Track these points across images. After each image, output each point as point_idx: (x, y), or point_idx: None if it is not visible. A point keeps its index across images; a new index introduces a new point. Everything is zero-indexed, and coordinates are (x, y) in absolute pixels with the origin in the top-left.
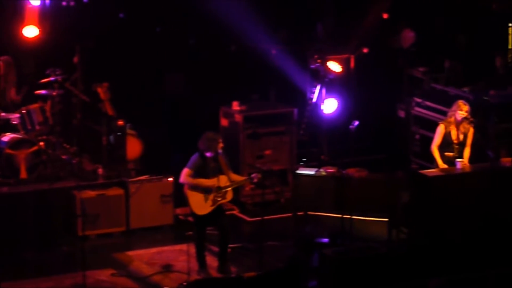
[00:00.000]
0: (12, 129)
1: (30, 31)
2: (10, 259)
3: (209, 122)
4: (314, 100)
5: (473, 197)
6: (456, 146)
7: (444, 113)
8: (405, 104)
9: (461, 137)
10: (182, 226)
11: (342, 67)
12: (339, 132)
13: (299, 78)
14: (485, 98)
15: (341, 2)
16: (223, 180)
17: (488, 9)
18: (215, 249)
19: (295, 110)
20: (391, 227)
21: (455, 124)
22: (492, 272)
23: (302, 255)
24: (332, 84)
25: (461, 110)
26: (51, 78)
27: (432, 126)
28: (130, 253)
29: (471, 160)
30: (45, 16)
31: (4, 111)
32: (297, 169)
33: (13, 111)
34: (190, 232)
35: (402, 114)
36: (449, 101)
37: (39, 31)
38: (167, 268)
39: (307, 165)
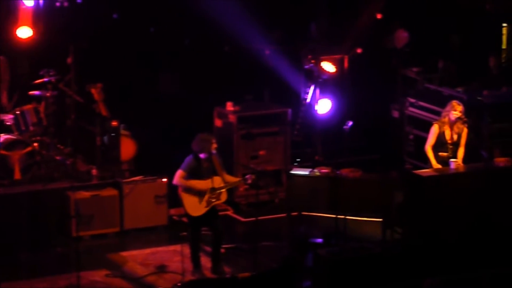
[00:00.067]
0: (6, 130)
1: (24, 32)
2: (4, 260)
3: (203, 123)
4: (308, 100)
5: (467, 197)
6: (450, 146)
7: (438, 113)
8: (399, 104)
9: (455, 137)
10: (176, 226)
11: (336, 68)
12: (333, 133)
13: (293, 78)
14: (479, 98)
15: (334, 3)
16: (217, 181)
17: (482, 10)
18: (210, 249)
19: (289, 111)
20: (385, 227)
21: (449, 124)
22: (486, 272)
23: (296, 255)
24: (326, 85)
25: (455, 110)
26: (45, 79)
27: (426, 126)
28: (124, 253)
29: (465, 160)
30: (39, 17)
31: None
32: (291, 169)
33: (6, 112)
34: (185, 233)
35: (396, 114)
36: (443, 101)
37: (33, 31)
38: (161, 269)
39: (301, 166)
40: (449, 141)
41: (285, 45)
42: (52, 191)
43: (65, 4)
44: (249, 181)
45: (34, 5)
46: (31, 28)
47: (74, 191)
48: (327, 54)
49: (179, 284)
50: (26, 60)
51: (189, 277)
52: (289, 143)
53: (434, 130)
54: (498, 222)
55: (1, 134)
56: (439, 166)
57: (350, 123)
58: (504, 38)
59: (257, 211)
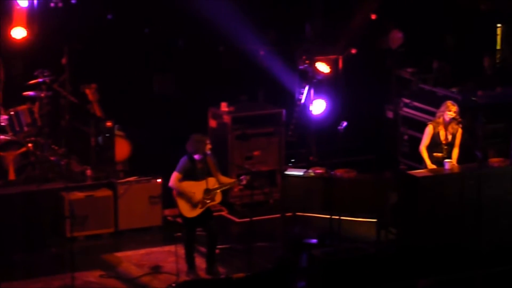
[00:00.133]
0: (0, 130)
1: (18, 33)
2: None
3: (198, 123)
4: (303, 101)
5: (461, 197)
6: (445, 147)
7: (433, 114)
8: (393, 105)
9: (450, 137)
10: (171, 227)
11: (331, 68)
12: (328, 133)
13: (287, 79)
14: (474, 98)
15: (329, 3)
16: (211, 182)
17: (476, 10)
18: (204, 250)
19: (284, 111)
20: (380, 227)
21: (444, 124)
22: (480, 273)
23: (290, 256)
24: (321, 85)
25: (450, 111)
26: (39, 80)
27: (420, 127)
28: (119, 254)
29: (459, 160)
30: (33, 18)
31: None
32: (285, 170)
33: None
34: (179, 233)
35: (390, 114)
36: (438, 102)
37: (27, 32)
38: (155, 269)
39: (296, 166)
40: (444, 142)
41: (280, 45)
42: (47, 192)
43: (60, 4)
44: (244, 182)
45: (29, 5)
46: (26, 29)
47: (68, 191)
48: (322, 55)
49: (173, 284)
50: (21, 60)
51: (183, 277)
52: (284, 144)
53: (429, 130)
54: (492, 222)
55: None
56: (433, 166)
57: (345, 123)
58: (499, 38)
59: (251, 212)
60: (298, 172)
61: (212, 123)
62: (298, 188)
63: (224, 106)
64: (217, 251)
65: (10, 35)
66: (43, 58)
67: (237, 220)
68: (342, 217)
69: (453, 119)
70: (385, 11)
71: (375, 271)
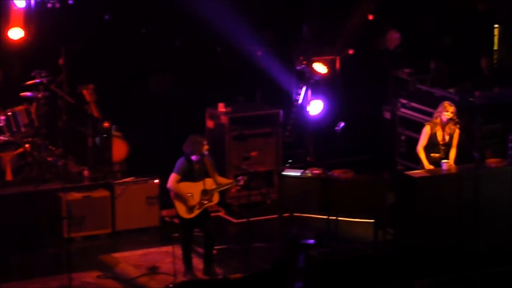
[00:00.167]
0: None
1: (15, 33)
2: None
3: (195, 124)
4: (300, 101)
5: (458, 198)
6: (442, 147)
7: (430, 114)
8: (390, 105)
9: (447, 138)
10: (168, 227)
11: (328, 69)
12: (325, 134)
13: (285, 79)
14: (471, 99)
15: (326, 4)
16: (209, 183)
17: (474, 10)
18: (202, 251)
19: (281, 112)
20: (377, 228)
21: (441, 125)
22: (477, 273)
23: (288, 257)
24: (318, 86)
25: (447, 111)
26: (37, 80)
27: (418, 127)
28: (116, 255)
29: (456, 161)
30: (30, 18)
31: None
32: (283, 170)
33: None
34: (176, 234)
35: (387, 115)
36: (435, 102)
37: (24, 33)
38: (153, 270)
39: (293, 167)
40: (441, 142)
41: (277, 46)
42: (44, 192)
43: (57, 5)
44: (241, 182)
45: (26, 6)
46: (23, 29)
47: (65, 192)
48: (319, 55)
49: (171, 285)
50: (18, 61)
51: (181, 278)
52: (281, 144)
53: (426, 131)
54: (490, 222)
55: None
56: (431, 167)
57: (342, 124)
58: (496, 39)
59: (249, 212)
60: (296, 173)
61: (210, 123)
62: (296, 189)
63: (221, 107)
64: (214, 251)
65: (7, 35)
66: (40, 59)
67: (234, 220)
68: (339, 218)
69: (450, 119)
70: (383, 12)
71: (373, 272)
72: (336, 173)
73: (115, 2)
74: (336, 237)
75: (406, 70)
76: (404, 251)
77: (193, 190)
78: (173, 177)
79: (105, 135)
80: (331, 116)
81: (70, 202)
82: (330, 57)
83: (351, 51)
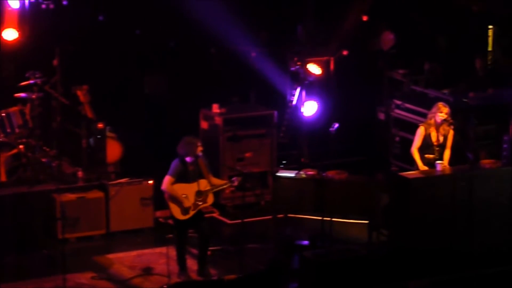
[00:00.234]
0: None
1: (10, 34)
2: None
3: (189, 125)
4: (294, 102)
5: (452, 199)
6: (436, 148)
7: (424, 115)
8: (385, 106)
9: (441, 139)
10: (162, 228)
11: (322, 70)
12: (319, 135)
13: (279, 80)
14: (465, 100)
15: (320, 5)
16: (203, 184)
17: (468, 11)
18: (196, 252)
19: (275, 113)
20: (371, 229)
21: (435, 126)
22: (471, 274)
23: (282, 258)
24: (312, 87)
25: (441, 112)
26: (31, 81)
27: (412, 128)
28: (110, 256)
29: (451, 162)
30: (25, 19)
31: None
32: (277, 171)
33: None
34: (170, 235)
35: (382, 116)
36: (429, 103)
37: (19, 33)
38: (147, 271)
39: (287, 168)
40: (435, 143)
41: (271, 47)
42: (38, 193)
43: (51, 6)
44: (235, 183)
45: (20, 7)
46: (17, 30)
47: (60, 193)
48: (313, 56)
49: (165, 286)
50: (12, 62)
51: (175, 279)
52: (275, 145)
53: (420, 132)
54: (484, 223)
55: None
56: (425, 168)
57: (336, 125)
58: (490, 40)
59: (243, 213)
60: (290, 174)
61: (204, 124)
62: (290, 190)
63: (215, 108)
64: (208, 252)
65: (1, 36)
66: (35, 60)
67: (228, 221)
68: (333, 219)
69: (444, 120)
70: (377, 13)
71: (367, 273)
72: (330, 174)
73: (109, 3)
74: (330, 238)
75: (400, 71)
76: (399, 252)
77: (187, 191)
78: (167, 179)
79: (99, 136)
80: (325, 117)
81: (64, 203)
82: (324, 58)
83: (345, 52)
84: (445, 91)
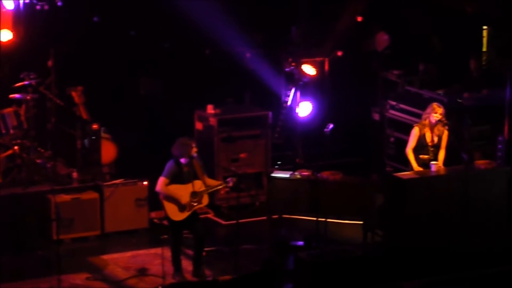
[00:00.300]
0: None
1: (4, 35)
2: None
3: (184, 126)
4: (289, 103)
5: (447, 199)
6: (431, 149)
7: (419, 116)
8: (379, 107)
9: (436, 139)
10: (157, 229)
11: (317, 70)
12: (314, 135)
13: (274, 81)
14: (460, 100)
15: (315, 6)
16: (198, 185)
17: (462, 12)
18: (191, 252)
19: (270, 113)
20: (366, 230)
21: (430, 126)
22: (467, 275)
23: (277, 258)
24: (307, 87)
25: (436, 113)
26: (26, 82)
27: (406, 129)
28: (105, 257)
29: (445, 162)
30: (19, 20)
31: None
32: (272, 172)
33: None
34: (165, 236)
35: (376, 117)
36: (424, 104)
37: (13, 35)
38: (142, 272)
39: (282, 168)
40: (430, 144)
41: (266, 48)
42: (33, 194)
43: (46, 7)
44: (230, 184)
45: (14, 8)
46: (11, 31)
47: (54, 194)
48: (308, 57)
49: (160, 287)
50: (7, 63)
51: (169, 280)
52: (270, 146)
53: (415, 132)
54: (479, 224)
55: None
56: (420, 168)
57: (331, 126)
58: (485, 40)
59: (238, 214)
60: (285, 174)
61: (198, 125)
62: (285, 190)
63: (210, 109)
64: (203, 253)
65: None
66: (29, 61)
67: (223, 222)
68: (328, 219)
69: (439, 121)
70: (371, 13)
71: (362, 273)
72: (325, 174)
73: (104, 4)
74: (325, 238)
75: (395, 72)
76: (394, 253)
77: (182, 192)
78: (161, 180)
79: (94, 137)
80: (320, 118)
81: (59, 204)
82: (319, 59)
83: (340, 53)
84: (440, 91)
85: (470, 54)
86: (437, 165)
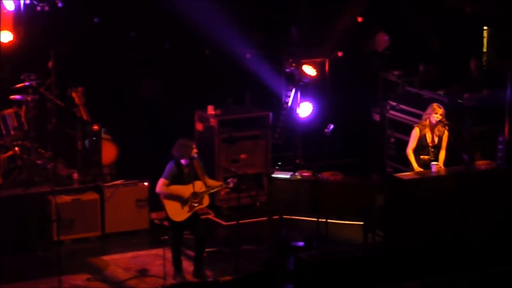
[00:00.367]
0: None
1: (5, 36)
2: None
3: (185, 126)
4: (289, 104)
5: (448, 200)
6: (431, 149)
7: (419, 116)
8: (380, 108)
9: (436, 140)
10: (158, 230)
11: (317, 71)
12: (314, 136)
13: (274, 82)
14: (460, 101)
15: (315, 6)
16: (198, 186)
17: (462, 12)
18: (191, 253)
19: (270, 114)
20: (367, 230)
21: (430, 127)
22: (467, 274)
23: (278, 259)
24: (307, 88)
25: (436, 113)
26: (26, 83)
27: (407, 130)
28: (106, 257)
29: (446, 163)
30: (20, 21)
31: None
32: (272, 173)
33: None
34: (166, 237)
35: (377, 117)
36: (424, 104)
37: (14, 36)
38: (142, 273)
39: (282, 169)
40: (430, 144)
41: (266, 48)
42: (33, 195)
43: (46, 8)
44: (231, 185)
45: (15, 9)
46: (12, 32)
47: (55, 195)
48: (308, 58)
49: None
50: (7, 64)
51: (170, 281)
52: (270, 147)
53: (415, 133)
54: (479, 224)
55: None
56: (420, 169)
57: (331, 126)
58: (485, 41)
59: (238, 215)
60: (285, 175)
61: (199, 126)
62: (285, 191)
63: (210, 109)
64: (204, 254)
65: None
66: (30, 62)
67: (224, 223)
68: (329, 220)
69: (439, 121)
70: (371, 14)
71: (362, 274)
72: (325, 175)
73: (104, 5)
74: (325, 239)
75: (395, 72)
76: (394, 253)
77: (183, 193)
78: (161, 181)
79: (94, 138)
80: (320, 119)
81: (60, 205)
82: (319, 60)
83: (340, 54)
84: (440, 92)
85: (470, 55)
86: (437, 165)
